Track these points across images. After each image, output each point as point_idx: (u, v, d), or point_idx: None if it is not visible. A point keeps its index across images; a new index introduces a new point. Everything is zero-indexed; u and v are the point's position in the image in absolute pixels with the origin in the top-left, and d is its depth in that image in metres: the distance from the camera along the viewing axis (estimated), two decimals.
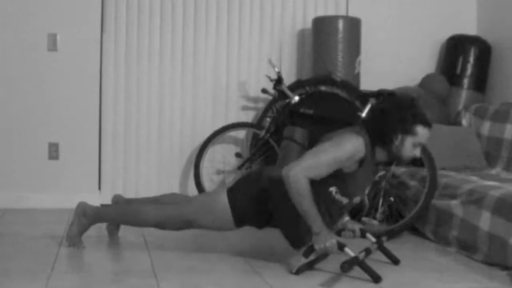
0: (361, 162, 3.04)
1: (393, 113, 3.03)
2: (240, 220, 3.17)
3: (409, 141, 3.04)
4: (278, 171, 3.10)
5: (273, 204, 3.11)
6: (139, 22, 4.78)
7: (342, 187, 3.06)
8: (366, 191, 3.24)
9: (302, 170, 2.94)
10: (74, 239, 3.40)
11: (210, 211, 3.18)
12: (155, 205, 3.35)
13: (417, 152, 3.10)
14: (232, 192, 3.18)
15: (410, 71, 5.14)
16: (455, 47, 5.03)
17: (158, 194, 4.73)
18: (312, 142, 4.13)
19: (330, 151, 2.99)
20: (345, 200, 3.12)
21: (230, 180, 4.90)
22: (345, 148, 2.98)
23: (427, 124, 3.06)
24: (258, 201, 3.13)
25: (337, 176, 3.03)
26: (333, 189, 3.04)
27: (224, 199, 3.16)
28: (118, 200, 3.65)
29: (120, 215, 3.41)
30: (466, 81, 4.97)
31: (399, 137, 3.03)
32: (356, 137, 3.02)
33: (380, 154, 3.11)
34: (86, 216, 3.41)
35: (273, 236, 3.90)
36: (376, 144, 3.08)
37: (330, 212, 3.09)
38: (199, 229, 3.26)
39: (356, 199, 3.18)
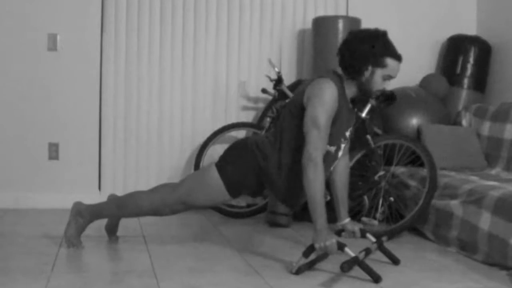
0: (337, 114, 3.06)
1: (364, 45, 3.04)
2: (234, 190, 3.19)
3: (379, 73, 3.06)
4: (261, 137, 3.19)
5: (262, 172, 3.14)
6: (139, 22, 4.78)
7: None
8: (348, 134, 3.23)
9: (317, 151, 2.96)
10: (73, 239, 3.40)
11: (203, 188, 3.21)
12: (147, 192, 3.35)
13: (386, 85, 3.11)
14: (221, 165, 3.20)
15: (410, 71, 5.14)
16: (455, 47, 5.03)
17: None
18: None
19: (321, 112, 3.00)
20: (332, 149, 3.14)
21: None
22: (328, 100, 3.00)
23: (397, 57, 3.08)
24: (248, 169, 3.16)
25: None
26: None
27: (214, 173, 3.18)
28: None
29: (115, 207, 3.41)
30: (466, 81, 4.97)
31: (369, 69, 3.05)
32: (327, 82, 3.03)
33: (350, 90, 3.13)
34: (82, 216, 3.41)
35: (273, 236, 3.91)
36: (346, 78, 3.10)
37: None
38: (196, 208, 3.26)
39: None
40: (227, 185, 3.17)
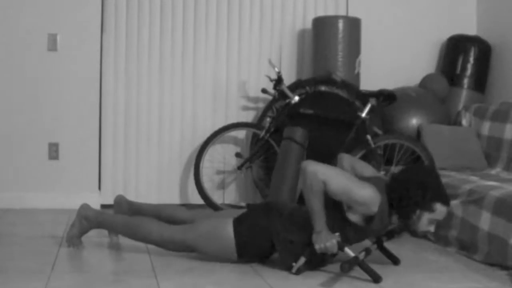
0: (368, 220, 3.00)
1: (417, 190, 2.97)
2: (242, 253, 3.13)
3: (426, 216, 3.00)
4: (286, 203, 3.16)
5: (279, 230, 3.07)
6: (139, 22, 4.78)
7: (343, 232, 3.01)
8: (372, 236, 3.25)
9: (321, 173, 2.94)
10: (74, 240, 3.39)
11: (213, 240, 3.13)
12: (158, 223, 3.28)
13: (432, 228, 3.07)
14: (239, 223, 3.12)
15: (410, 71, 5.15)
16: (455, 47, 5.03)
17: (158, 195, 4.79)
18: (312, 142, 4.15)
19: (350, 182, 2.97)
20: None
21: (231, 179, 4.91)
22: (362, 191, 2.94)
23: (446, 203, 3.03)
24: (264, 235, 3.09)
25: (343, 221, 3.02)
26: (337, 234, 3.01)
27: (229, 230, 3.11)
28: (120, 201, 3.62)
29: (121, 227, 3.36)
30: (466, 81, 4.98)
31: (417, 212, 3.00)
32: (376, 193, 2.96)
33: (396, 220, 3.10)
34: (88, 220, 3.40)
35: None
36: (394, 212, 3.05)
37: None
38: (201, 254, 3.21)
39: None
40: (238, 245, 3.10)
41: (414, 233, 3.09)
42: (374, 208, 2.95)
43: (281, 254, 3.09)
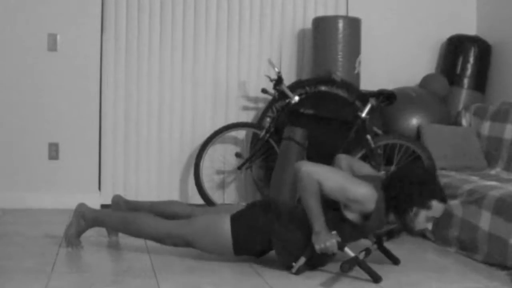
0: (365, 217, 3.00)
1: (413, 187, 2.98)
2: (239, 249, 3.13)
3: (423, 214, 3.01)
4: (286, 202, 3.18)
5: (277, 229, 3.08)
6: (139, 22, 4.78)
7: (340, 230, 3.00)
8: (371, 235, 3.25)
9: (316, 173, 2.95)
10: (72, 239, 3.39)
11: (210, 236, 3.13)
12: (155, 218, 3.29)
13: (429, 226, 3.08)
14: (236, 220, 3.12)
15: (410, 71, 5.15)
16: (455, 47, 5.03)
17: (158, 194, 4.79)
18: (312, 142, 4.15)
19: (345, 180, 2.98)
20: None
21: (231, 179, 4.91)
22: (358, 189, 2.95)
23: (443, 200, 3.03)
24: (261, 232, 3.09)
25: (339, 219, 3.02)
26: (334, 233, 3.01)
27: (227, 226, 3.11)
28: (118, 201, 3.63)
29: (119, 223, 3.37)
30: (466, 81, 4.97)
31: (414, 209, 3.00)
32: (372, 191, 2.97)
33: (393, 219, 3.10)
34: (85, 219, 3.40)
35: None
36: (390, 209, 3.06)
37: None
38: (197, 249, 3.21)
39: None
40: (234, 242, 3.11)
41: (411, 232, 3.09)
42: (371, 206, 2.96)
43: (279, 254, 3.09)
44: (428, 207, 3.00)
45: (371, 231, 3.17)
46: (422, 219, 3.02)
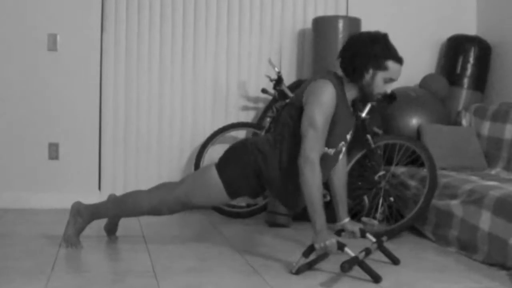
0: (335, 106, 3.04)
1: (364, 48, 3.02)
2: (233, 191, 3.18)
3: (380, 76, 3.04)
4: (261, 138, 3.19)
5: (263, 174, 3.13)
6: (139, 22, 4.78)
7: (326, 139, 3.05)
8: (349, 137, 3.23)
9: (313, 151, 2.96)
10: (71, 239, 3.40)
11: (202, 188, 3.19)
12: (146, 191, 3.34)
13: (388, 89, 3.09)
14: (221, 166, 3.19)
15: (410, 71, 5.14)
16: (455, 47, 5.03)
17: None
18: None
19: (318, 113, 2.99)
20: (332, 152, 3.13)
21: None
22: (326, 101, 2.98)
23: (398, 59, 3.06)
24: (248, 171, 3.15)
25: None
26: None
27: (214, 174, 3.17)
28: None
29: (114, 208, 3.40)
30: (466, 81, 4.97)
31: (370, 71, 3.03)
32: (326, 83, 3.01)
33: (351, 92, 3.12)
34: (81, 215, 3.41)
35: (273, 236, 3.91)
36: (347, 80, 3.09)
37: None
38: (195, 208, 3.25)
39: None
40: (226, 186, 3.16)
41: (371, 96, 3.08)
42: (335, 96, 2.99)
43: (272, 192, 3.17)
44: (384, 68, 3.02)
45: (347, 123, 3.17)
46: (380, 81, 3.05)
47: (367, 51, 3.02)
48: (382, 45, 3.03)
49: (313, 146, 2.96)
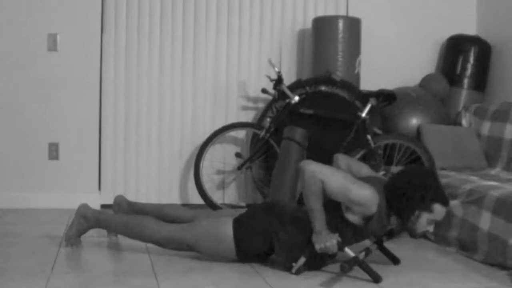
0: (367, 219, 3.00)
1: (415, 190, 2.96)
2: (241, 253, 3.13)
3: (425, 217, 3.00)
4: (287, 203, 3.16)
5: (278, 231, 3.07)
6: (139, 22, 4.78)
7: (342, 233, 3.00)
8: (370, 239, 3.24)
9: (319, 172, 2.94)
10: (72, 239, 3.39)
11: (212, 240, 3.13)
12: (157, 222, 3.27)
13: (431, 228, 3.07)
14: (238, 224, 3.12)
15: (410, 71, 5.15)
16: (455, 47, 5.03)
17: (158, 194, 4.79)
18: (312, 142, 4.15)
19: (348, 182, 2.96)
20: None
21: (230, 179, 4.90)
22: (361, 192, 2.94)
23: (446, 203, 3.03)
24: (264, 235, 3.09)
25: (341, 221, 3.02)
26: (337, 235, 3.01)
27: (229, 230, 3.11)
28: (120, 202, 3.62)
29: (120, 226, 3.36)
30: (466, 81, 4.98)
31: (416, 212, 3.00)
32: (375, 193, 2.96)
33: (395, 221, 3.10)
34: (87, 220, 3.39)
35: None
36: (392, 212, 3.05)
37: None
38: (200, 253, 3.21)
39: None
40: (237, 245, 3.10)
41: (413, 234, 3.08)
42: (373, 209, 2.95)
43: (280, 255, 3.09)
44: (431, 210, 2.99)
45: (372, 234, 3.16)
46: (424, 222, 3.01)
47: (418, 198, 2.96)
48: (433, 189, 2.98)
49: (322, 174, 2.94)
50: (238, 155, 4.70)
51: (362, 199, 2.94)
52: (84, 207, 3.42)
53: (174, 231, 3.20)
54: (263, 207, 3.23)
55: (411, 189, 2.98)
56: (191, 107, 4.88)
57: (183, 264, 3.16)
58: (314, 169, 2.95)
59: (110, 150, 4.77)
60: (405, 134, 4.49)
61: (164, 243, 3.22)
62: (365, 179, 3.08)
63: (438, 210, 3.00)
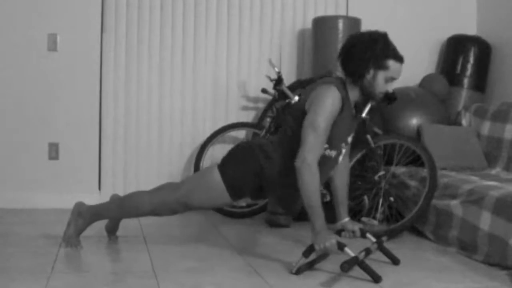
0: (340, 109, 3.05)
1: (364, 48, 3.03)
2: (235, 193, 3.17)
3: (381, 75, 3.04)
4: (265, 141, 3.19)
5: (264, 174, 3.13)
6: (139, 22, 4.78)
7: (327, 140, 3.05)
8: (350, 139, 3.23)
9: (312, 154, 2.96)
10: (71, 239, 3.40)
11: (204, 190, 3.18)
12: (147, 192, 3.33)
13: (389, 87, 3.10)
14: (223, 167, 3.18)
15: (410, 71, 5.14)
16: (455, 47, 5.03)
17: None
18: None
19: (321, 117, 2.99)
20: (333, 154, 3.14)
21: None
22: (329, 106, 2.98)
23: (399, 58, 3.07)
24: (250, 171, 3.14)
25: None
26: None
27: (216, 175, 3.16)
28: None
29: (116, 209, 3.40)
30: (466, 81, 4.98)
31: (371, 71, 3.04)
32: (330, 88, 3.01)
33: (353, 93, 3.12)
34: (82, 216, 3.40)
35: (273, 236, 3.91)
36: (349, 81, 3.09)
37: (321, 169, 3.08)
38: (196, 209, 3.23)
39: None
40: (228, 187, 3.15)
41: (373, 96, 3.08)
42: (340, 100, 3.00)
43: (269, 190, 3.15)
44: (385, 67, 3.03)
45: (350, 126, 3.17)
46: (381, 81, 3.05)
47: (367, 51, 3.02)
48: (382, 45, 3.04)
49: (312, 149, 2.96)
50: None
51: (335, 106, 2.99)
52: (78, 205, 3.44)
53: (166, 194, 3.24)
54: (243, 145, 3.26)
55: (359, 47, 3.03)
56: (191, 107, 4.88)
57: (183, 264, 3.16)
58: (309, 160, 2.96)
59: (110, 150, 4.77)
60: (405, 134, 4.49)
61: (160, 210, 3.25)
62: (316, 92, 3.06)
63: (393, 66, 3.04)
